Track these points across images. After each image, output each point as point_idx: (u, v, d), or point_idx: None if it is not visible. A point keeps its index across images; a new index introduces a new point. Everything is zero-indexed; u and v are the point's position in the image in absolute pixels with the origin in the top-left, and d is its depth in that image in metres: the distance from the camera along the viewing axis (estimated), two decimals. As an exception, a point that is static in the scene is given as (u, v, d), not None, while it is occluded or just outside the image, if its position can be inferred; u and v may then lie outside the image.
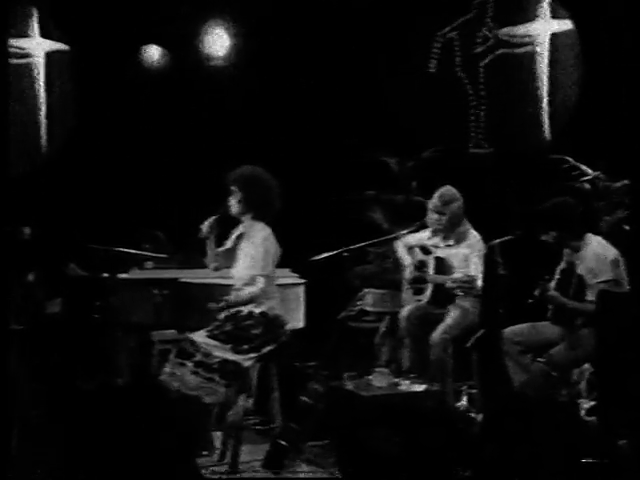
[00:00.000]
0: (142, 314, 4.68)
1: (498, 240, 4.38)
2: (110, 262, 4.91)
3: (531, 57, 5.64)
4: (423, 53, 5.93)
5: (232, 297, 3.96)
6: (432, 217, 4.70)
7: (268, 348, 3.92)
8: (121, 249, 4.92)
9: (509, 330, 4.32)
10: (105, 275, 4.91)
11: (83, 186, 5.99)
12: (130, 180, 6.08)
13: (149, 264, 5.09)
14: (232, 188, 4.04)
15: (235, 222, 4.13)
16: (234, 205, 4.03)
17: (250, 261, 3.97)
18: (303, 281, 4.73)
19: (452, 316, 4.60)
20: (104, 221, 5.84)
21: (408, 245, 4.87)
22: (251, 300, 3.92)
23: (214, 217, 4.04)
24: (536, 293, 4.13)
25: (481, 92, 5.83)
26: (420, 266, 4.77)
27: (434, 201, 4.68)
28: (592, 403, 4.17)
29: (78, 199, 5.95)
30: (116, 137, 6.09)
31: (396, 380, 4.22)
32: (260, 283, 3.92)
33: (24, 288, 4.73)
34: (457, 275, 4.48)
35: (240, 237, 4.10)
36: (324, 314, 5.10)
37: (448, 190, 4.68)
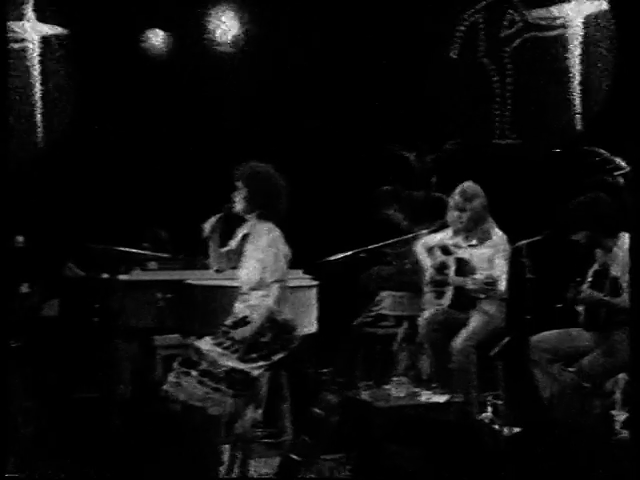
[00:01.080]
0: (144, 318, 4.69)
1: (525, 241, 4.37)
2: (110, 262, 4.90)
3: (562, 41, 5.60)
4: (444, 38, 5.91)
5: (255, 316, 3.95)
6: (453, 215, 4.69)
7: (278, 356, 3.92)
8: (122, 248, 4.92)
9: (537, 337, 4.30)
10: (105, 276, 4.90)
11: (81, 180, 6.01)
12: (131, 175, 6.10)
13: (152, 264, 5.10)
14: (238, 184, 4.04)
15: (240, 221, 4.13)
16: (239, 202, 4.03)
17: (259, 265, 3.97)
18: (316, 283, 4.73)
19: (475, 321, 4.60)
20: (103, 218, 5.86)
21: (428, 245, 4.87)
22: (271, 313, 3.91)
23: (217, 216, 4.04)
24: (568, 296, 4.09)
25: (507, 79, 5.79)
26: (441, 268, 4.76)
27: (455, 198, 4.68)
28: (627, 415, 4.14)
29: (76, 194, 5.97)
30: (116, 128, 6.10)
31: (415, 390, 4.24)
32: (275, 291, 3.91)
33: (19, 300, 4.75)
34: (480, 277, 4.47)
35: (245, 237, 4.10)
36: (338, 319, 5.12)
37: (470, 186, 4.67)
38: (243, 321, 3.94)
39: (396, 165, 5.78)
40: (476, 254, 4.65)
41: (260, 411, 4.07)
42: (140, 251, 5.08)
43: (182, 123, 6.20)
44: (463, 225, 4.66)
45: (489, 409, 4.48)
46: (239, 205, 4.04)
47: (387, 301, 5.23)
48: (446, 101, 5.81)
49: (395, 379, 4.32)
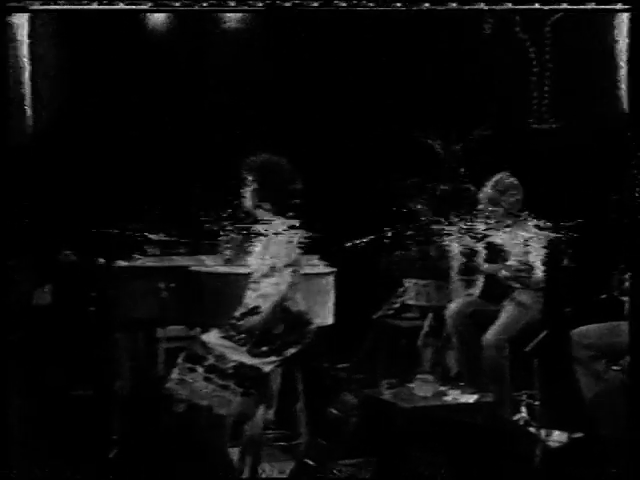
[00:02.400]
0: (145, 308, 4.66)
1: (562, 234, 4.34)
2: (107, 247, 4.91)
3: (609, 14, 5.51)
4: (475, 11, 5.82)
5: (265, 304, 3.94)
6: (485, 210, 4.70)
7: (291, 350, 3.92)
8: (119, 231, 4.92)
9: (578, 331, 4.24)
10: (101, 262, 4.90)
11: (74, 161, 6.01)
12: (129, 155, 6.08)
13: (153, 249, 5.09)
14: (246, 177, 4.04)
15: (250, 218, 4.14)
16: (248, 197, 4.04)
17: (272, 252, 3.96)
18: (333, 270, 4.72)
19: (509, 313, 4.59)
20: (99, 200, 5.85)
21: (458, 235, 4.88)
22: (282, 302, 3.91)
23: (239, 238, 4.14)
24: (612, 285, 4.06)
25: (546, 56, 5.71)
26: (470, 253, 4.76)
27: (488, 191, 4.68)
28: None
29: (69, 175, 5.97)
30: (114, 105, 6.08)
31: (442, 389, 4.24)
32: (287, 277, 3.91)
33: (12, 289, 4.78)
34: (514, 263, 4.47)
35: (256, 231, 4.09)
36: (357, 309, 5.11)
37: (504, 177, 4.67)
38: (253, 312, 3.94)
39: (421, 154, 5.74)
40: (510, 238, 4.64)
41: (272, 411, 4.09)
42: (142, 235, 5.08)
43: (185, 108, 6.18)
44: (496, 221, 4.67)
45: (524, 410, 4.48)
46: (248, 200, 4.04)
47: (411, 290, 5.25)
48: (477, 82, 5.75)
49: (420, 377, 4.30)
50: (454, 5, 4.48)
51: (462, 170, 5.64)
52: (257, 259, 4.04)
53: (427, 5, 4.30)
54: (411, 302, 5.28)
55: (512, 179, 4.64)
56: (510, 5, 5.06)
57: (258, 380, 3.87)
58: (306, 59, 6.06)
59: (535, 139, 5.69)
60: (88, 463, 3.92)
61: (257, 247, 4.05)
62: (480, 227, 4.74)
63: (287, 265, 3.91)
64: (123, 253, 5.04)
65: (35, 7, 3.96)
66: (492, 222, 4.68)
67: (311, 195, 4.05)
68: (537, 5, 4.85)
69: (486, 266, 4.65)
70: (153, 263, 4.90)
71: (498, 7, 4.74)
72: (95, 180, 5.98)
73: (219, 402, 3.81)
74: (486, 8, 4.90)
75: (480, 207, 4.70)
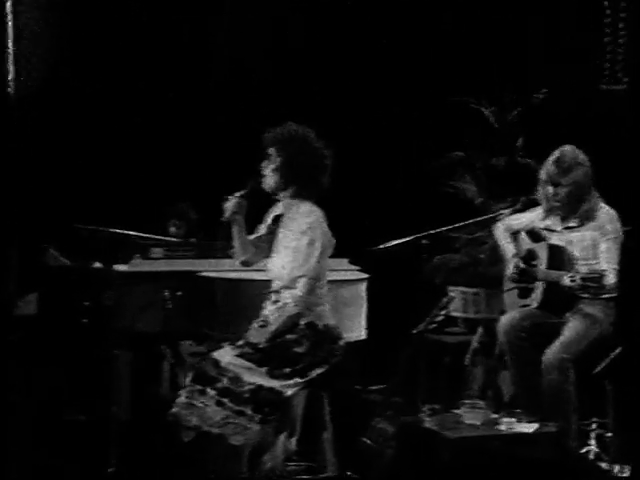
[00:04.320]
0: (147, 320, 4.69)
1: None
2: (104, 248, 4.92)
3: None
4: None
5: (271, 317, 3.97)
6: (546, 190, 4.62)
7: (317, 371, 3.93)
8: (118, 230, 4.92)
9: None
10: (97, 266, 4.94)
11: (66, 145, 6.03)
12: (127, 139, 6.11)
13: (157, 251, 5.10)
14: (269, 152, 4.03)
15: (271, 199, 4.12)
16: (270, 176, 4.02)
17: (291, 255, 3.97)
18: (365, 276, 4.72)
19: (574, 327, 4.54)
20: (93, 194, 5.88)
21: (511, 229, 4.83)
22: (297, 314, 3.92)
23: (241, 192, 4.04)
24: None
25: (622, 3, 5.62)
26: (528, 257, 4.71)
27: (549, 167, 4.60)
28: None
29: (60, 162, 6.00)
30: (111, 79, 6.12)
31: (494, 416, 4.19)
32: (302, 287, 3.91)
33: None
34: (581, 269, 4.43)
35: (278, 220, 4.10)
36: (394, 322, 5.10)
37: (569, 151, 4.59)
38: (263, 325, 3.97)
39: (469, 124, 5.71)
40: (576, 239, 4.59)
41: (294, 440, 4.09)
42: (140, 234, 5.10)
43: (194, 75, 6.21)
44: (559, 203, 4.59)
45: (593, 442, 4.45)
46: (270, 179, 4.03)
47: (457, 300, 5.25)
48: (535, 38, 5.69)
49: (468, 402, 4.26)
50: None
51: (519, 142, 5.60)
52: (277, 266, 4.03)
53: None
54: (457, 314, 5.29)
55: (577, 153, 4.57)
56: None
57: (279, 405, 3.86)
58: (341, 23, 6.09)
59: (606, 104, 5.61)
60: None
61: (278, 251, 4.05)
62: (538, 216, 4.68)
63: (301, 276, 3.92)
64: (122, 255, 5.06)
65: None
66: (554, 210, 4.60)
67: (338, 181, 4.05)
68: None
69: (547, 272, 4.58)
70: (157, 267, 4.90)
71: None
72: (87, 168, 6.01)
73: (233, 430, 3.81)
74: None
75: (539, 186, 4.62)
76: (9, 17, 5.94)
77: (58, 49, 6.01)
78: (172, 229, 5.75)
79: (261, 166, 4.04)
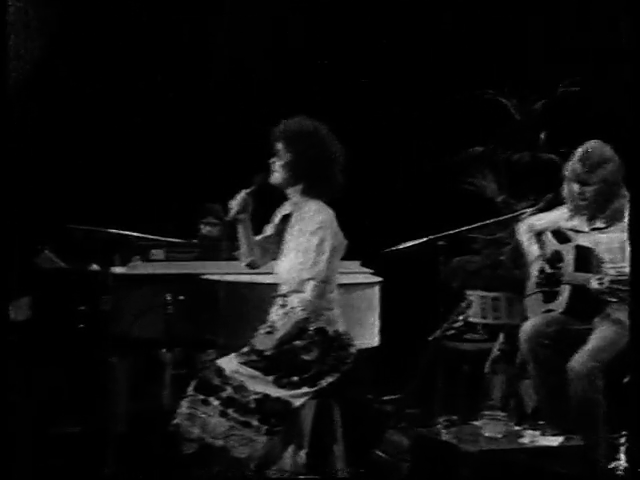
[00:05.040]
0: (147, 325, 4.69)
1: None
2: (101, 249, 4.92)
3: None
4: None
5: (278, 323, 3.97)
6: (572, 188, 4.62)
7: (328, 379, 3.92)
8: (116, 231, 4.93)
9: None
10: (94, 268, 4.94)
11: (62, 143, 6.05)
12: (129, 135, 6.13)
13: (157, 253, 5.10)
14: (278, 147, 4.02)
15: (280, 197, 4.11)
16: (279, 172, 4.02)
17: (300, 257, 3.97)
18: (378, 280, 4.72)
19: (602, 334, 4.53)
20: (90, 191, 5.89)
21: (535, 229, 4.82)
22: (305, 321, 3.93)
23: (248, 190, 4.03)
24: None
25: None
26: (553, 260, 4.71)
27: (575, 164, 4.60)
28: None
29: (55, 160, 6.01)
30: (109, 78, 6.14)
31: (516, 428, 4.20)
32: (311, 291, 3.91)
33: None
34: (609, 272, 4.43)
35: (287, 219, 4.09)
36: (409, 328, 5.12)
37: (597, 147, 4.59)
38: (269, 331, 3.97)
39: (489, 116, 5.71)
40: (604, 241, 4.59)
41: (303, 453, 4.07)
42: (139, 235, 5.11)
43: (194, 74, 6.23)
44: (586, 202, 4.60)
45: (622, 457, 4.41)
46: (279, 175, 4.02)
47: (476, 305, 5.28)
48: (563, 24, 5.65)
49: (488, 413, 4.26)
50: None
51: (542, 136, 5.56)
52: (285, 268, 4.02)
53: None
54: (476, 320, 5.33)
55: (606, 148, 4.55)
56: None
57: (286, 416, 3.85)
58: (351, 14, 6.13)
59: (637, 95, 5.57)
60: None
61: (286, 252, 4.04)
62: (564, 216, 4.65)
63: (310, 278, 3.91)
64: (120, 257, 5.06)
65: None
66: (580, 210, 4.58)
67: (349, 178, 4.04)
68: None
69: (574, 275, 4.58)
70: (157, 270, 4.91)
71: None
72: (82, 167, 6.02)
73: (238, 442, 3.80)
74: None
75: (565, 184, 4.60)
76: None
77: (55, 48, 6.05)
78: (207, 229, 5.76)
79: (269, 162, 4.03)
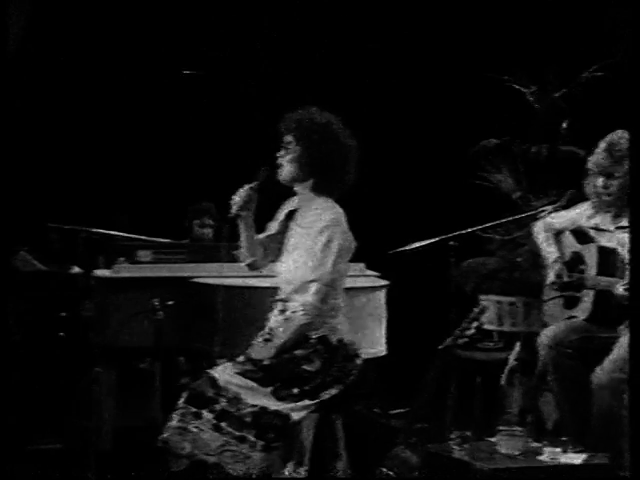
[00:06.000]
0: (133, 332, 4.69)
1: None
2: (83, 250, 4.87)
3: None
4: None
5: (277, 330, 3.96)
6: (596, 182, 4.63)
7: (330, 392, 3.91)
8: (99, 230, 4.90)
9: None
10: (75, 271, 4.96)
11: (44, 140, 6.06)
12: (115, 133, 6.14)
13: (144, 254, 5.09)
14: (287, 140, 4.02)
15: (286, 193, 4.10)
16: (287, 165, 4.01)
17: (304, 256, 3.96)
18: (385, 283, 4.73)
19: (627, 343, 4.45)
20: (73, 187, 5.89)
21: (554, 228, 4.83)
22: (307, 327, 3.92)
23: (251, 185, 4.03)
24: None
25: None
26: (574, 262, 4.72)
27: (599, 155, 4.62)
28: None
29: (36, 157, 6.02)
30: (98, 61, 6.17)
31: (535, 445, 4.18)
32: (314, 294, 3.89)
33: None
34: (635, 276, 4.39)
35: (292, 216, 4.09)
36: (418, 336, 5.12)
37: (622, 137, 4.58)
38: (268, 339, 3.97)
39: (506, 106, 5.71)
40: (630, 242, 4.52)
41: (303, 470, 4.01)
42: (125, 234, 5.11)
43: (200, 49, 6.25)
44: (612, 198, 4.61)
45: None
46: (287, 170, 4.02)
47: (490, 311, 5.26)
48: (585, 5, 5.65)
49: (504, 428, 4.23)
50: None
51: (564, 126, 5.56)
52: (287, 269, 4.01)
53: None
54: (491, 327, 5.32)
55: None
56: None
57: (285, 430, 3.84)
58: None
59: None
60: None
61: (289, 252, 4.03)
62: (586, 214, 4.65)
63: (313, 280, 3.90)
64: (104, 259, 5.05)
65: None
66: (605, 205, 4.58)
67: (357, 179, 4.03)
68: None
69: (597, 279, 4.59)
70: (144, 273, 4.91)
71: None
72: (64, 164, 6.03)
73: (232, 458, 3.79)
74: None
75: (587, 178, 4.61)
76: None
77: (42, 45, 6.08)
78: (203, 230, 5.76)
79: (276, 155, 4.02)
